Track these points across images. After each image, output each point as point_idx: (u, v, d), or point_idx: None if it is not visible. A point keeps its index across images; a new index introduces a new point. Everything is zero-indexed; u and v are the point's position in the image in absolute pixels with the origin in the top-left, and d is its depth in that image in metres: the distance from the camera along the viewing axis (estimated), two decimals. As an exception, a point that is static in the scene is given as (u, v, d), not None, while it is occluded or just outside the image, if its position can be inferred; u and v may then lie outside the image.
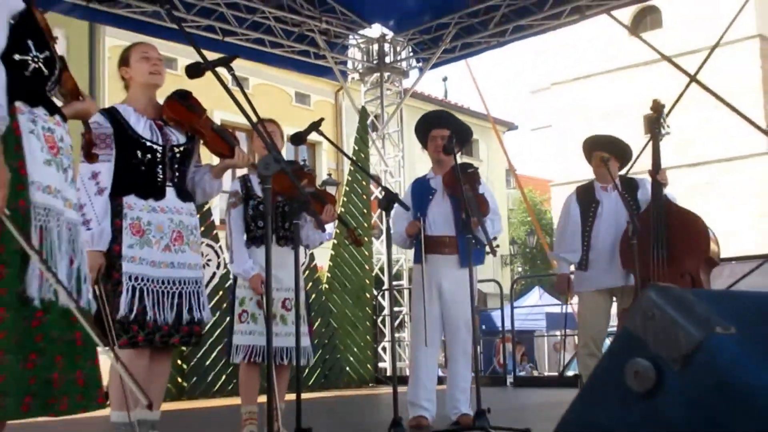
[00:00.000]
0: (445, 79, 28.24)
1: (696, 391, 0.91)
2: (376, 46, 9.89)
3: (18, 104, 2.35)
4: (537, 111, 35.34)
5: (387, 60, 9.90)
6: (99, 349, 3.49)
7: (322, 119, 4.11)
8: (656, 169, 4.73)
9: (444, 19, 9.09)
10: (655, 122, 4.79)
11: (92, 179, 3.43)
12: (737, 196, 27.37)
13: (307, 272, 9.12)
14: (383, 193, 4.18)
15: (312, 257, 9.29)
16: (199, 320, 3.68)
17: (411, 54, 9.92)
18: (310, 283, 9.24)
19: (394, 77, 10.09)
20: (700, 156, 27.78)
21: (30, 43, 2.43)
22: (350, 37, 9.82)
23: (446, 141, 4.87)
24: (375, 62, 9.89)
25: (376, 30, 9.86)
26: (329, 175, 16.23)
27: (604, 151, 4.99)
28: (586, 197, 5.09)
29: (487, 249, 4.82)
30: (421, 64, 9.85)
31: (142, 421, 3.73)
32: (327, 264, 9.82)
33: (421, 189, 5.13)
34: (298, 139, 4.14)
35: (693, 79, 7.60)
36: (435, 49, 9.40)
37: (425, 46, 9.62)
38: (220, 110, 16.01)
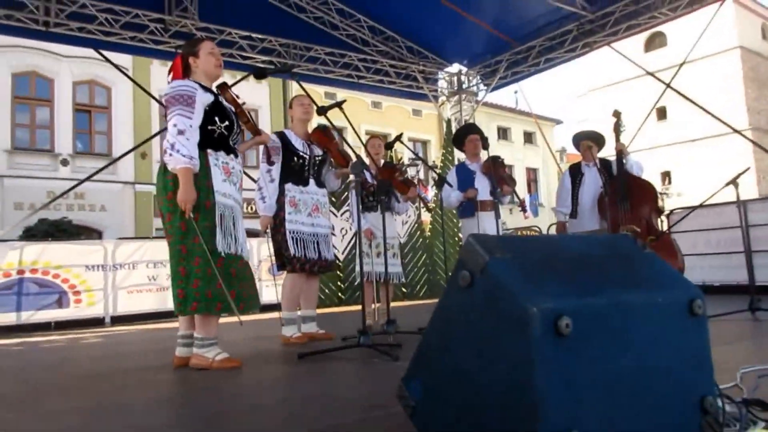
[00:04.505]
0: (516, 92, 27.35)
1: (487, 288, 1.12)
2: (456, 78, 9.93)
3: (208, 150, 2.83)
4: (580, 109, 33.72)
5: (464, 86, 9.92)
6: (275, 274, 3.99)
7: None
8: (619, 149, 4.66)
9: (499, 57, 9.01)
10: (616, 123, 4.69)
11: (267, 173, 3.79)
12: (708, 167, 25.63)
13: (416, 225, 9.41)
14: (436, 177, 4.36)
15: (419, 216, 9.55)
16: (327, 258, 3.98)
17: (479, 81, 9.86)
18: (418, 232, 9.52)
19: (469, 97, 10.07)
20: (696, 135, 25.89)
21: (216, 118, 2.85)
22: (439, 73, 9.90)
23: (482, 141, 4.98)
24: (456, 88, 9.95)
25: (455, 67, 9.88)
26: (416, 157, 15.53)
27: (589, 140, 4.96)
28: (575, 171, 5.07)
29: (519, 208, 4.97)
30: (485, 87, 9.81)
31: (306, 316, 4.18)
32: (429, 219, 10.06)
33: (464, 171, 5.14)
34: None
35: (668, 86, 7.21)
36: (494, 77, 9.33)
37: (488, 76, 9.55)
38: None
